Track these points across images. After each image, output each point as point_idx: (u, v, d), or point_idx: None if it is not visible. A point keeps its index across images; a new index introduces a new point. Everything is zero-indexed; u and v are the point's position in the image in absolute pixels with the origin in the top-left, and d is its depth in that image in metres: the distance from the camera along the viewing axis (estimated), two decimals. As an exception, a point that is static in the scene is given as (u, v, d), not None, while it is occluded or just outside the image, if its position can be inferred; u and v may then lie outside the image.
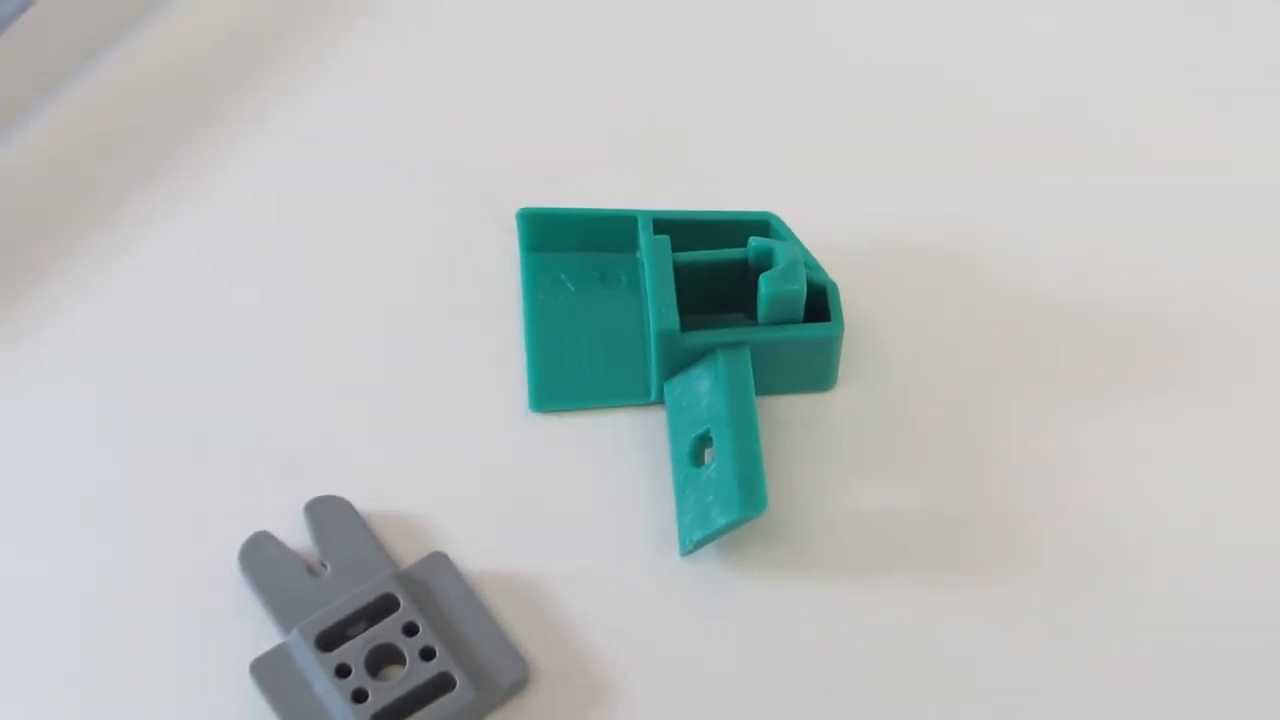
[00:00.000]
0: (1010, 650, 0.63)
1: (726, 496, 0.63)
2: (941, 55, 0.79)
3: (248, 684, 0.61)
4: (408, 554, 0.65)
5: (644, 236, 0.68)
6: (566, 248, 0.72)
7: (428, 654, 0.61)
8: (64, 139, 0.77)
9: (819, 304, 0.67)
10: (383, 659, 0.61)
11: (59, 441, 0.68)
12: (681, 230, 0.68)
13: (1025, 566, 0.65)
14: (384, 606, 0.62)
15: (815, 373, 0.68)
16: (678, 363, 0.67)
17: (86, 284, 0.73)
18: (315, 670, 0.61)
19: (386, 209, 0.75)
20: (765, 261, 0.66)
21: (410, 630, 0.61)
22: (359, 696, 0.60)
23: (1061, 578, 0.65)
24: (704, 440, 0.65)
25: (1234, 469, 0.67)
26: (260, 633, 0.63)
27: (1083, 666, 0.63)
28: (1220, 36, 0.81)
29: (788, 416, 0.68)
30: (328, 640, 0.61)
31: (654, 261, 0.67)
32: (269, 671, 0.61)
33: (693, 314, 0.66)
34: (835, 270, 0.68)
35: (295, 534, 0.65)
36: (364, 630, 0.61)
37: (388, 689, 0.60)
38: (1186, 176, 0.75)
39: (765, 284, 0.65)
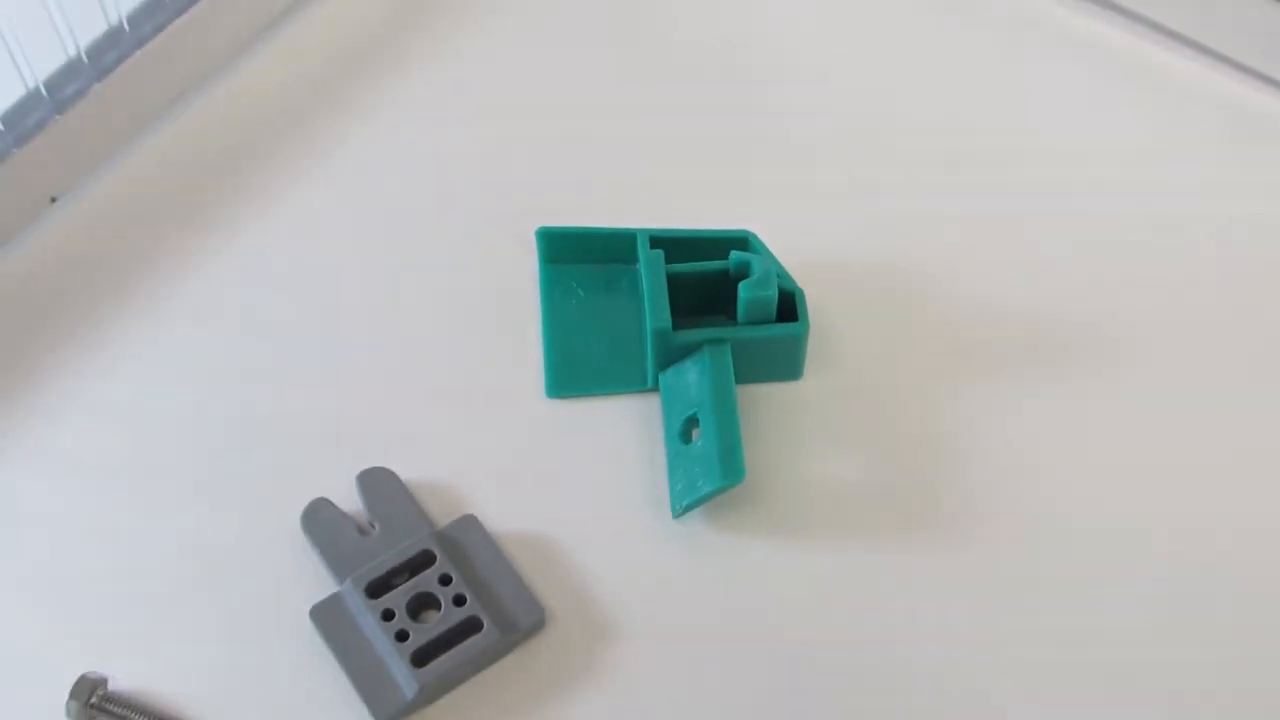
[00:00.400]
0: (944, 593, 0.63)
1: (710, 468, 0.63)
2: (894, 107, 0.78)
3: (308, 626, 0.61)
4: (443, 516, 0.65)
5: (642, 251, 0.68)
6: (577, 260, 0.72)
7: (460, 601, 0.61)
8: (171, 164, 0.76)
9: (788, 307, 0.67)
10: (422, 605, 0.61)
11: (163, 423, 0.68)
12: (673, 245, 0.68)
13: (958, 527, 0.65)
14: (423, 560, 0.62)
15: (785, 365, 0.68)
16: (670, 356, 0.67)
17: (181, 290, 0.72)
18: (364, 614, 0.61)
19: (427, 228, 0.74)
20: (744, 271, 0.66)
21: (445, 580, 0.62)
22: (401, 636, 0.60)
23: (986, 535, 0.65)
24: (692, 421, 0.65)
25: (1126, 444, 0.67)
26: (318, 582, 0.63)
27: (1001, 608, 0.63)
28: (1095, 81, 0.80)
29: (762, 402, 0.68)
30: (375, 589, 0.61)
31: (650, 271, 0.67)
32: (325, 615, 0.62)
33: (683, 315, 0.67)
34: (803, 279, 0.68)
35: (348, 499, 0.65)
36: (406, 580, 0.62)
37: (425, 630, 0.60)
38: (1084, 205, 0.75)
39: (744, 290, 0.65)
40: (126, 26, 0.73)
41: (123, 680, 0.60)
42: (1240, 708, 0.61)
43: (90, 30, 0.72)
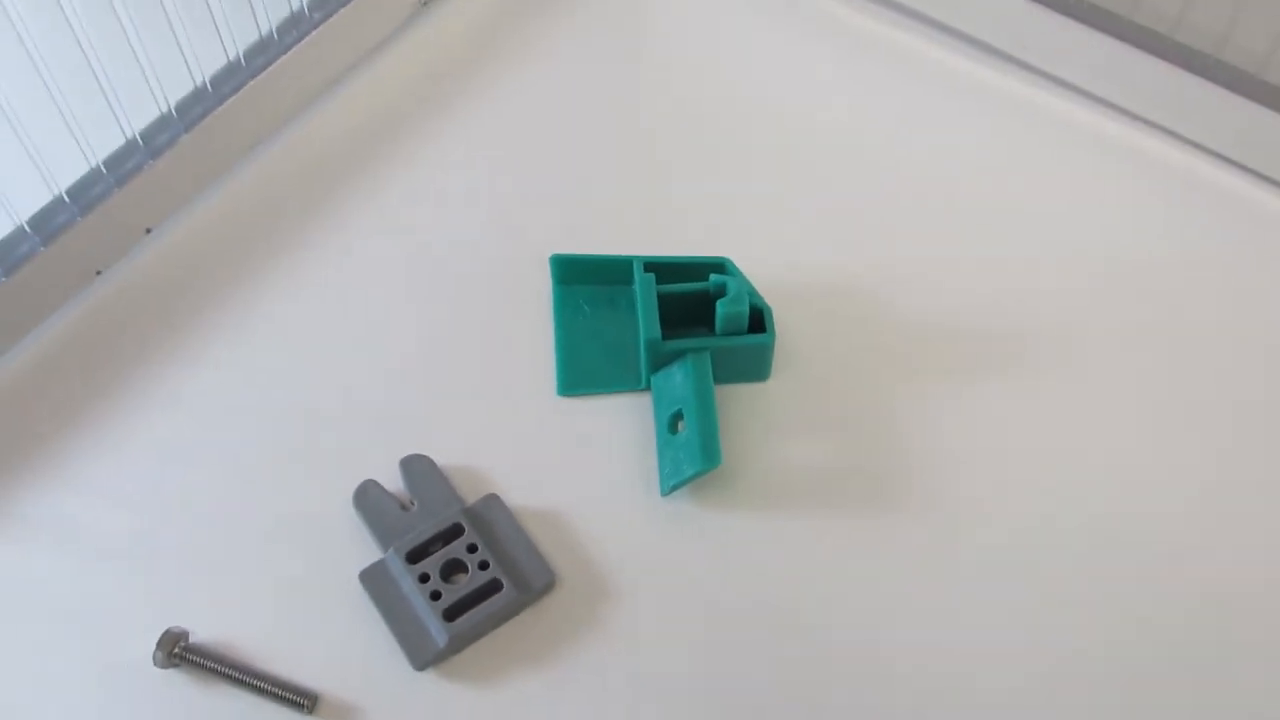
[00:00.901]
0: (888, 558, 0.63)
1: (693, 454, 0.63)
2: (849, 157, 0.77)
3: (357, 587, 0.62)
4: (471, 494, 0.65)
5: (637, 274, 0.68)
6: (584, 281, 0.71)
7: (484, 566, 0.62)
8: (245, 201, 0.76)
9: (758, 321, 0.67)
10: (452, 569, 0.62)
11: (237, 418, 0.68)
12: (663, 269, 0.68)
13: (905, 504, 0.65)
14: (454, 532, 0.63)
15: (756, 369, 0.68)
16: (660, 361, 0.67)
17: (256, 308, 0.72)
18: (404, 577, 0.61)
19: (459, 256, 0.74)
20: (721, 291, 0.66)
21: (472, 549, 0.62)
22: (435, 596, 0.61)
23: (925, 510, 0.65)
24: (678, 415, 0.65)
25: (1059, 435, 0.67)
26: (366, 551, 0.63)
27: (938, 569, 0.63)
28: (1017, 137, 0.79)
29: (737, 400, 0.68)
30: (414, 556, 0.62)
31: (644, 291, 0.67)
32: (372, 578, 0.62)
33: (670, 327, 0.67)
34: (770, 297, 0.68)
35: (392, 481, 0.65)
36: (439, 549, 0.62)
37: (455, 590, 0.61)
38: (1007, 235, 0.75)
39: (721, 307, 0.66)
40: (209, 87, 0.73)
41: (200, 634, 0.60)
42: (1145, 653, 0.61)
43: (179, 89, 0.72)
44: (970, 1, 0.80)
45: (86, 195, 0.69)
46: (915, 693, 0.59)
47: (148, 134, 0.71)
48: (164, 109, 0.71)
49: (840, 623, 0.61)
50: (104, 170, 0.69)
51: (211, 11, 0.70)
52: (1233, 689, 0.60)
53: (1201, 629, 0.61)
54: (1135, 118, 0.78)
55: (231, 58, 0.73)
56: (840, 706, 0.59)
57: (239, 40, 0.73)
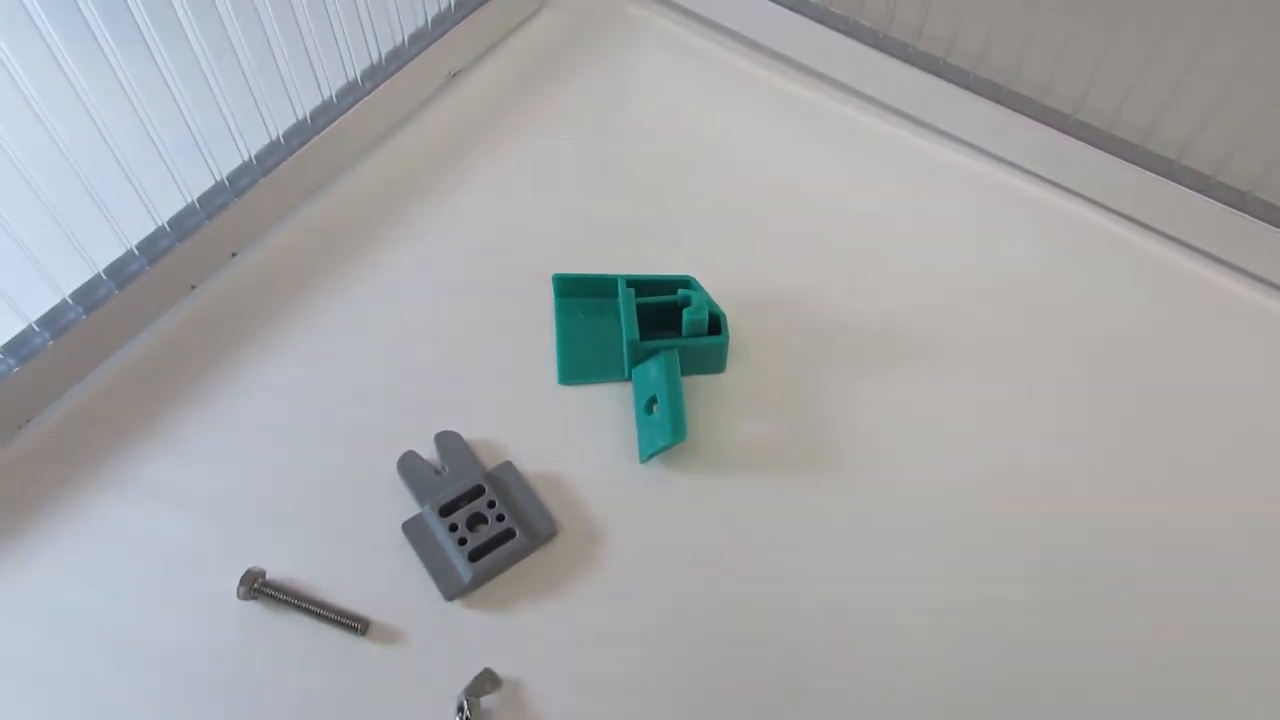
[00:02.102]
0: (819, 514, 0.63)
1: (664, 430, 0.63)
2: (789, 194, 0.76)
3: (399, 535, 0.61)
4: (490, 461, 0.64)
5: (620, 289, 0.67)
6: (579, 295, 0.70)
7: (500, 518, 0.60)
8: (311, 231, 0.74)
9: (716, 325, 0.66)
10: (475, 521, 0.61)
11: (308, 401, 0.67)
12: (641, 285, 0.67)
13: (829, 470, 0.64)
14: (476, 491, 0.62)
15: (714, 363, 0.68)
16: (639, 357, 0.66)
17: (321, 315, 0.71)
18: (437, 527, 0.60)
19: (481, 275, 0.73)
20: (686, 302, 0.65)
21: (491, 505, 0.61)
22: (461, 542, 0.60)
23: (849, 475, 0.64)
24: (653, 399, 0.65)
25: (947, 414, 0.66)
26: (407, 506, 0.62)
27: (860, 522, 0.63)
28: (921, 181, 0.78)
29: (699, 388, 0.67)
30: (445, 510, 0.61)
31: (626, 302, 0.66)
32: (412, 528, 0.61)
33: (647, 331, 0.66)
34: (725, 307, 0.67)
35: (427, 451, 0.64)
36: (465, 505, 0.61)
37: (477, 537, 0.60)
38: (914, 258, 0.73)
39: (686, 315, 0.65)
40: (282, 140, 0.71)
41: (274, 572, 0.59)
42: (1024, 586, 0.60)
43: (258, 141, 0.71)
44: (882, 76, 0.78)
45: (183, 225, 0.67)
46: (832, 613, 0.59)
47: (233, 176, 0.69)
48: (246, 156, 0.69)
49: (777, 560, 0.61)
50: (198, 205, 0.68)
51: (282, 77, 0.68)
52: (1107, 624, 0.59)
53: (1067, 562, 0.60)
54: (1015, 167, 0.77)
55: (300, 117, 0.72)
56: (774, 624, 0.58)
57: (306, 103, 0.72)
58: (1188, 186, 0.69)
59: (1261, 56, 0.61)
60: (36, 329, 0.62)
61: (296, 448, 0.64)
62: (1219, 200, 0.69)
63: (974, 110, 0.75)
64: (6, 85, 0.53)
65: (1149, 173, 0.70)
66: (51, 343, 0.62)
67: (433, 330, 0.69)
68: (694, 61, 0.83)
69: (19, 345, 0.61)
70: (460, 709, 0.53)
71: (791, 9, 0.78)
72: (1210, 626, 0.58)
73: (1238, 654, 0.57)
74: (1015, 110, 0.73)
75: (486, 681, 0.55)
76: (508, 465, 0.63)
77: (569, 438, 0.64)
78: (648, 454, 0.63)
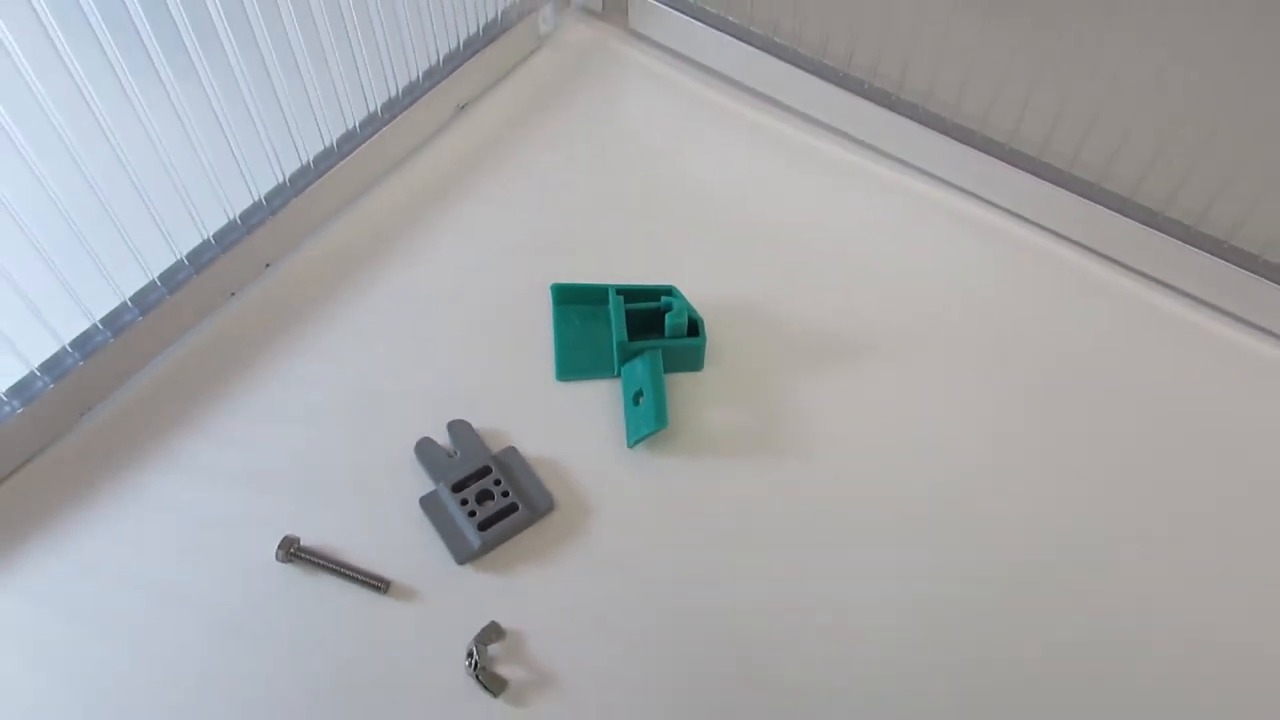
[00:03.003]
0: (781, 493, 0.64)
1: (648, 419, 0.64)
2: (760, 216, 0.77)
3: (417, 509, 0.63)
4: (496, 446, 0.66)
5: (611, 296, 0.68)
6: (575, 302, 0.71)
7: (504, 494, 0.62)
8: (337, 245, 0.75)
9: (694, 328, 0.68)
10: (483, 497, 0.63)
11: (335, 392, 0.68)
12: (629, 293, 0.68)
13: (792, 456, 0.66)
14: (484, 471, 0.64)
15: (692, 362, 0.69)
16: (627, 357, 0.68)
17: (346, 320, 0.71)
18: (450, 502, 0.63)
19: (488, 284, 0.73)
20: (669, 308, 0.67)
21: (497, 483, 0.63)
22: (471, 514, 0.62)
23: (809, 460, 0.66)
24: (639, 393, 0.66)
25: (907, 413, 0.67)
26: (423, 484, 0.64)
27: (818, 502, 0.64)
28: (874, 204, 0.78)
29: (679, 383, 0.69)
30: (457, 487, 0.63)
31: (615, 308, 0.67)
32: (428, 503, 0.63)
33: (634, 334, 0.67)
34: (703, 312, 0.69)
35: (441, 437, 0.66)
36: (474, 483, 0.63)
37: (485, 510, 0.62)
38: (869, 270, 0.74)
39: (668, 319, 0.67)
40: (312, 165, 0.73)
41: (308, 539, 0.61)
42: (968, 571, 0.61)
43: (291, 165, 0.72)
44: (843, 110, 0.79)
45: (226, 239, 0.69)
46: (786, 577, 0.60)
47: (269, 196, 0.71)
48: (280, 179, 0.71)
49: (742, 531, 0.62)
50: (239, 222, 0.70)
51: (312, 109, 0.70)
52: (1049, 614, 0.60)
53: (1003, 548, 0.62)
54: (960, 190, 0.77)
55: (327, 144, 0.73)
56: (738, 586, 0.60)
57: (333, 131, 0.73)
58: (1111, 209, 0.72)
59: (1178, 80, 0.63)
60: (100, 327, 0.66)
61: (326, 434, 0.65)
62: (1140, 221, 0.71)
63: (922, 140, 0.77)
64: (78, 105, 0.56)
65: (1076, 195, 0.73)
66: (112, 340, 0.65)
67: (445, 331, 0.70)
68: (677, 95, 0.85)
69: (83, 342, 0.65)
70: (470, 655, 0.57)
71: (762, 49, 0.81)
72: (1148, 617, 0.59)
73: (1169, 652, 0.58)
74: (958, 140, 0.75)
75: (492, 632, 0.58)
76: (511, 449, 0.65)
77: (565, 426, 0.66)
78: (634, 440, 0.64)
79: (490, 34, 0.82)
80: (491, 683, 0.56)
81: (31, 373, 0.63)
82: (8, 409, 0.62)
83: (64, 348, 0.64)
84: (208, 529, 0.62)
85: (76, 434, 0.65)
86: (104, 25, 0.56)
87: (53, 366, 0.64)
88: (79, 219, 0.59)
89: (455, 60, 0.81)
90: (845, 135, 0.81)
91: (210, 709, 0.56)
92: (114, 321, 0.66)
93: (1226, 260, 0.69)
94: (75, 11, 0.53)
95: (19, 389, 0.63)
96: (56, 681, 0.56)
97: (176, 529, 0.62)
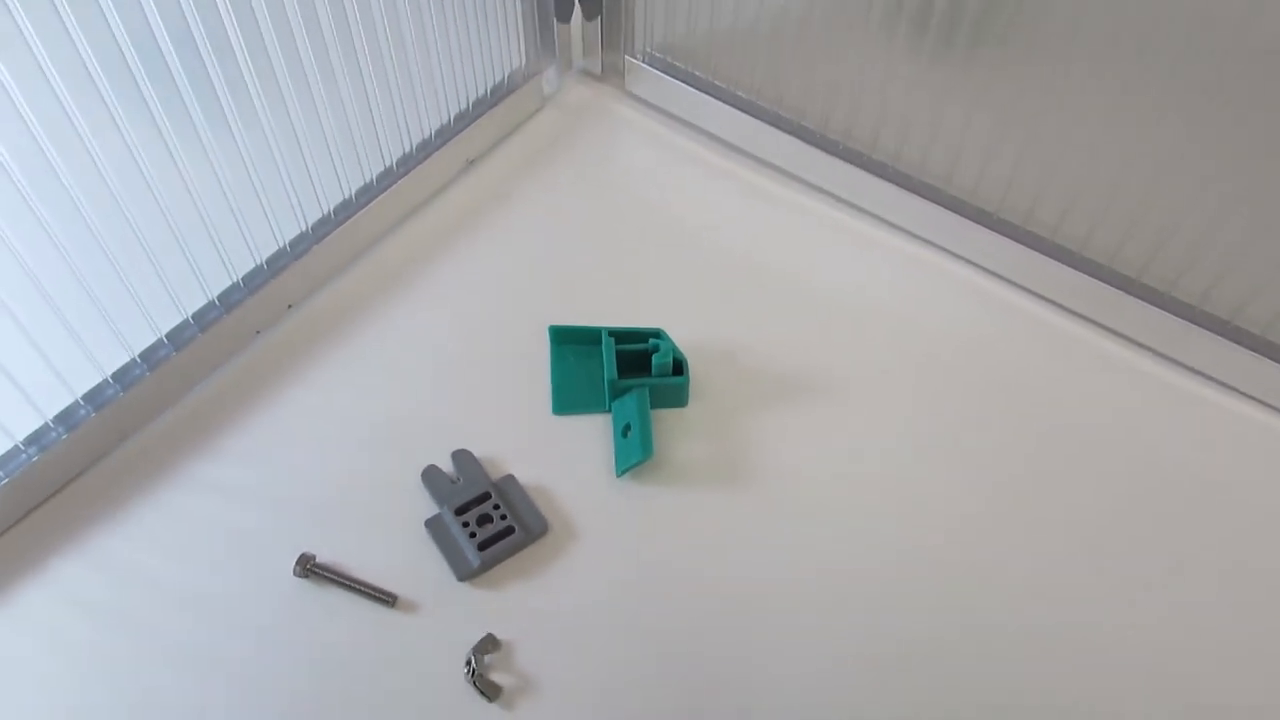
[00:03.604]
0: (753, 517, 0.66)
1: (636, 449, 0.67)
2: (741, 264, 0.78)
3: (422, 530, 0.65)
4: (496, 474, 0.68)
5: (604, 338, 0.70)
6: (570, 342, 0.73)
7: (502, 518, 0.65)
8: (354, 287, 0.78)
9: (679, 368, 0.70)
10: (483, 520, 0.65)
11: (350, 420, 0.70)
12: (620, 335, 0.71)
13: (763, 484, 0.68)
14: (484, 497, 0.66)
15: (677, 399, 0.71)
16: (617, 393, 0.70)
17: (359, 354, 0.74)
18: (453, 524, 0.65)
19: (491, 326, 0.75)
20: (656, 349, 0.70)
21: (496, 507, 0.65)
22: (472, 535, 0.64)
23: (779, 487, 0.67)
24: (628, 426, 0.68)
25: (874, 450, 0.70)
26: (428, 507, 0.66)
27: (786, 522, 0.66)
28: (842, 248, 0.80)
29: (665, 418, 0.71)
30: (459, 511, 0.65)
31: (607, 349, 0.70)
32: (432, 524, 0.66)
33: (624, 372, 0.70)
34: (688, 353, 0.71)
35: (446, 465, 0.68)
36: (475, 507, 0.65)
37: (484, 532, 0.64)
38: (839, 315, 0.76)
39: (655, 360, 0.69)
40: (332, 215, 0.76)
41: (323, 556, 0.64)
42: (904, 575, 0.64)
43: (313, 214, 0.74)
44: (821, 169, 0.82)
45: (253, 282, 0.72)
46: (756, 592, 0.62)
47: (293, 242, 0.74)
48: (303, 227, 0.74)
49: (718, 552, 0.64)
50: (265, 266, 0.73)
51: (333, 163, 0.73)
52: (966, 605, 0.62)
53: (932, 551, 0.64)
54: (930, 244, 0.80)
55: (346, 196, 0.76)
56: (713, 600, 0.62)
57: (351, 184, 0.76)
58: (1062, 262, 0.75)
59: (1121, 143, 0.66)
60: (139, 361, 0.69)
61: (341, 460, 0.68)
62: (1093, 276, 0.74)
63: (892, 197, 0.80)
64: (126, 159, 0.59)
65: (1033, 250, 0.76)
66: (149, 374, 0.69)
67: (451, 368, 0.72)
68: (668, 152, 0.87)
69: (123, 374, 0.69)
70: (468, 663, 0.60)
71: (745, 111, 0.84)
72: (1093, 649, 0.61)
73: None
74: (925, 198, 0.78)
75: (488, 643, 0.61)
76: (510, 477, 0.67)
77: (559, 456, 0.68)
78: (622, 469, 0.67)
79: (498, 95, 0.86)
80: (487, 689, 0.59)
81: (75, 402, 0.68)
82: (54, 435, 0.67)
83: (106, 379, 0.69)
84: (232, 545, 0.64)
85: (114, 458, 0.68)
86: (152, 91, 0.60)
87: (94, 396, 0.68)
88: (122, 261, 0.63)
89: (465, 119, 0.84)
90: (824, 192, 0.84)
91: (231, 706, 0.59)
92: (151, 356, 0.69)
93: (1164, 309, 0.72)
94: (124, 71, 0.57)
95: (64, 416, 0.67)
96: (90, 679, 0.59)
97: (206, 544, 0.64)
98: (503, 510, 0.65)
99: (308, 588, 0.63)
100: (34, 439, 0.65)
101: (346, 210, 0.77)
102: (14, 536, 0.64)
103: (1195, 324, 0.71)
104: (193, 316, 0.70)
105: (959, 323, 0.76)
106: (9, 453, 0.65)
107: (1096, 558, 0.65)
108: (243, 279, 0.72)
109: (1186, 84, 0.60)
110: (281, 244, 0.73)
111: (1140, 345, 0.75)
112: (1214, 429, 0.70)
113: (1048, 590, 0.63)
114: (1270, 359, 0.70)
